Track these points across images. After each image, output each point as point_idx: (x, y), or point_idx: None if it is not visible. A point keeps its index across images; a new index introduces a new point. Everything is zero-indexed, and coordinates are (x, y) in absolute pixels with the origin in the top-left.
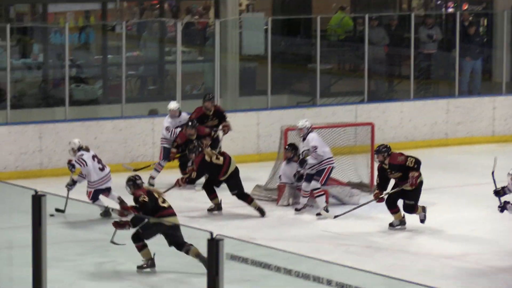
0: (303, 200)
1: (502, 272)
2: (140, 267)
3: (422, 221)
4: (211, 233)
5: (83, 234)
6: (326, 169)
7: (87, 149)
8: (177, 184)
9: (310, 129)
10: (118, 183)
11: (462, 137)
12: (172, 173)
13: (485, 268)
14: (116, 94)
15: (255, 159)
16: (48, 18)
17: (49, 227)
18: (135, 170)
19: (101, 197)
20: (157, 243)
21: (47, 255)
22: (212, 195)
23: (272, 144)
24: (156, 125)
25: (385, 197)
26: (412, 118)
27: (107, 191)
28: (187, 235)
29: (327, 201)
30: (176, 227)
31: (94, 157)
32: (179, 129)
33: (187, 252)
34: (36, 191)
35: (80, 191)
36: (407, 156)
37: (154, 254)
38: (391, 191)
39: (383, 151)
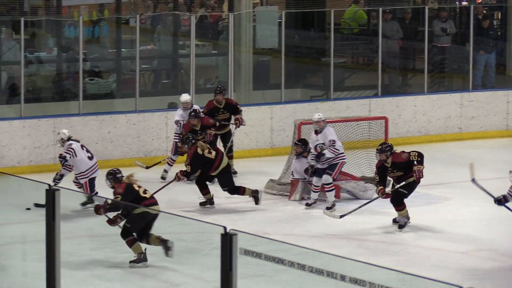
0: (313, 195)
1: None
2: (132, 262)
3: (401, 226)
4: (225, 228)
5: (97, 228)
6: (339, 164)
7: (76, 140)
8: (176, 177)
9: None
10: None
11: (476, 131)
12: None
13: (500, 263)
14: (130, 88)
15: (269, 153)
16: (62, 11)
17: (63, 221)
18: (147, 167)
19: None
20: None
21: (61, 250)
22: (204, 190)
23: (286, 138)
24: (169, 119)
25: (390, 193)
26: (426, 112)
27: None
28: (201, 230)
29: (338, 197)
30: (154, 218)
31: (82, 146)
32: None
33: (148, 243)
34: (50, 186)
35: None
36: (409, 152)
37: (145, 249)
38: (397, 187)
39: (386, 150)
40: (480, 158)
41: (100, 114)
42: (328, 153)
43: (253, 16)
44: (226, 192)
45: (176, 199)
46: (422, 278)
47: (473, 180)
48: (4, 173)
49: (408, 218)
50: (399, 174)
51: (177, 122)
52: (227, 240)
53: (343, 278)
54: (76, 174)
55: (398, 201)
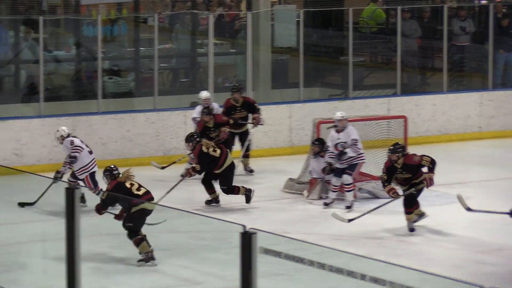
0: (332, 195)
1: None
2: (140, 261)
3: (412, 230)
4: (244, 227)
5: (116, 226)
6: (359, 164)
7: (74, 136)
8: (188, 173)
9: None
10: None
11: (496, 130)
12: None
13: None
14: (149, 87)
15: (287, 152)
16: (81, 10)
17: (82, 219)
18: (163, 167)
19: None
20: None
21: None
22: (210, 190)
23: (305, 137)
24: (188, 118)
25: (401, 194)
26: (445, 111)
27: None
28: (220, 229)
29: (355, 197)
30: (146, 213)
31: (81, 141)
32: None
33: (137, 243)
34: (69, 184)
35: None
36: (421, 156)
37: (152, 249)
38: (408, 192)
39: (399, 151)
40: (500, 158)
41: (119, 113)
42: (350, 152)
43: (271, 15)
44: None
45: (194, 198)
46: (443, 278)
47: (469, 209)
48: (23, 172)
49: (423, 214)
50: (407, 176)
51: (194, 119)
52: (247, 238)
53: (363, 277)
54: (75, 170)
55: (410, 202)
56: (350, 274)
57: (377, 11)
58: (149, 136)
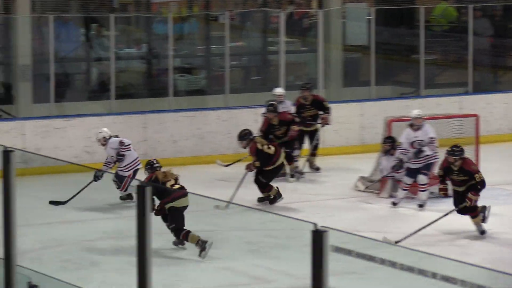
0: (401, 193)
1: None
2: (201, 252)
3: (483, 232)
4: (315, 225)
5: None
6: (434, 163)
7: (115, 136)
8: (249, 168)
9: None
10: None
11: None
12: None
13: None
14: (220, 85)
15: (359, 150)
16: (152, 8)
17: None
18: (226, 165)
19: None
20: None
21: (151, 245)
22: (265, 188)
23: (376, 135)
24: (259, 116)
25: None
26: None
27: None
28: (291, 226)
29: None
30: (181, 210)
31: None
32: None
33: (186, 238)
34: (141, 182)
35: None
36: (478, 170)
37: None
38: (460, 207)
39: (457, 153)
40: None
41: (191, 111)
42: (427, 150)
43: (342, 13)
44: (313, 190)
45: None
46: None
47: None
48: (96, 169)
49: (485, 207)
50: (464, 178)
51: (263, 115)
52: (318, 237)
53: (434, 275)
54: (121, 167)
55: (467, 211)
56: (421, 272)
57: (448, 9)
58: (220, 134)
